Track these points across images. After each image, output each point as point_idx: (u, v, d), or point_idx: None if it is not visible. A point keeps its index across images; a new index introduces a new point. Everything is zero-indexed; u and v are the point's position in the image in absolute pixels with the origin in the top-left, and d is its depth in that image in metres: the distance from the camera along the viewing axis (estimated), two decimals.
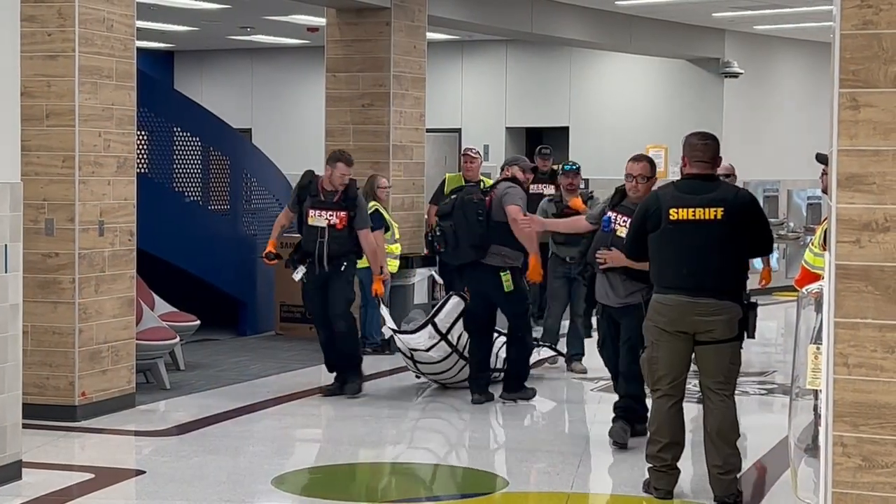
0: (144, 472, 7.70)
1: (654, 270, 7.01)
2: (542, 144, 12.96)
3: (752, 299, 6.99)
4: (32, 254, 8.73)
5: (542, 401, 10.25)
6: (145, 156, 12.54)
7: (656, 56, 18.56)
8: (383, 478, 8.27)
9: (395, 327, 10.52)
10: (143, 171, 12.03)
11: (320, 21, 14.64)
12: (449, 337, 10.22)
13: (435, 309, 10.54)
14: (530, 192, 11.62)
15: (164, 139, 13.05)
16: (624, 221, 7.94)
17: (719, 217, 6.76)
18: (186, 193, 13.43)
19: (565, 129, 19.59)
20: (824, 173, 7.52)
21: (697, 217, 6.78)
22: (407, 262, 12.64)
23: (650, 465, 7.10)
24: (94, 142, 9.02)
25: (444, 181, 13.15)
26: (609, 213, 8.23)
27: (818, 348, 4.60)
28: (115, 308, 9.26)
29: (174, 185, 13.22)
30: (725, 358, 6.92)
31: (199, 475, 7.66)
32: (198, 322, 11.52)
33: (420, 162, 13.27)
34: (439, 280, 12.73)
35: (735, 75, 18.30)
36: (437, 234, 9.78)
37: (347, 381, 10.24)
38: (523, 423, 9.72)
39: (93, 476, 7.61)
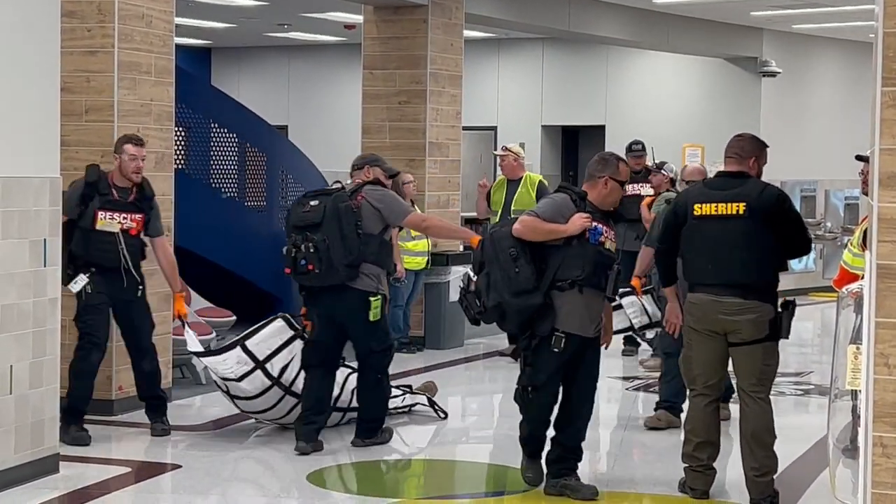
0: (180, 467, 7.73)
1: (684, 268, 7.02)
2: (632, 140, 11.89)
3: (790, 298, 6.95)
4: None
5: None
6: (183, 152, 12.58)
7: (694, 55, 18.49)
8: (418, 474, 8.27)
9: (201, 349, 8.78)
10: (180, 166, 12.08)
11: (357, 18, 14.66)
12: (268, 367, 8.40)
13: (250, 329, 8.64)
14: (627, 193, 11.43)
15: (201, 135, 13.09)
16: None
17: (741, 212, 6.71)
18: (223, 189, 13.47)
19: (601, 128, 19.55)
20: (862, 173, 7.47)
21: (720, 212, 6.74)
22: (444, 259, 12.64)
23: (686, 465, 7.08)
24: None
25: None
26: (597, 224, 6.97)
27: (858, 348, 4.58)
28: (152, 303, 9.26)
29: (211, 181, 13.26)
30: (757, 360, 6.86)
31: (235, 470, 7.68)
32: (234, 318, 11.56)
33: (456, 160, 13.27)
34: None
35: (773, 74, 18.22)
36: (309, 250, 7.95)
37: (155, 421, 8.59)
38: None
39: (129, 470, 7.66)
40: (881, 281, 3.91)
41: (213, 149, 13.31)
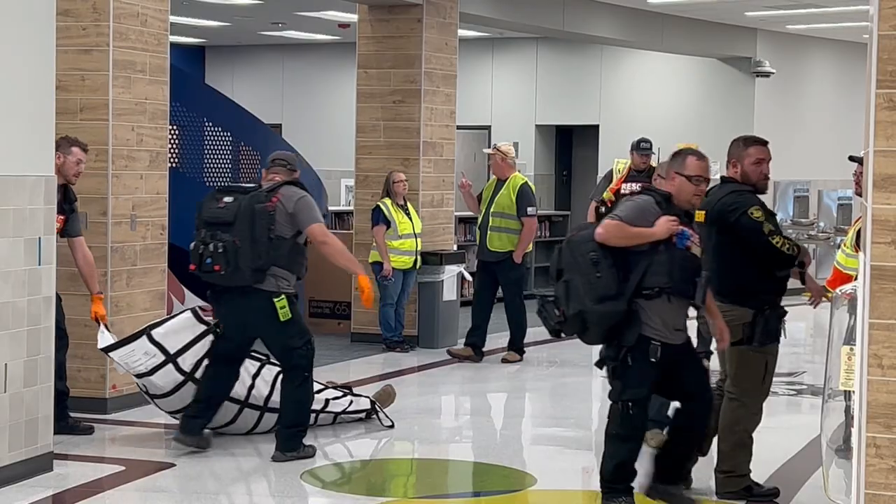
0: (174, 465, 7.73)
1: None
2: (640, 138, 11.24)
3: (782, 305, 6.95)
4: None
5: (573, 399, 10.24)
6: (177, 150, 12.58)
7: (688, 55, 18.52)
8: (412, 473, 8.29)
9: (110, 342, 8.23)
10: (174, 165, 12.07)
11: (352, 17, 14.66)
12: (179, 361, 8.12)
13: (156, 321, 8.49)
14: (622, 192, 10.76)
15: (195, 134, 13.08)
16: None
17: (702, 220, 6.85)
18: (217, 188, 13.45)
19: (595, 128, 19.57)
20: (856, 174, 7.50)
21: (699, 219, 6.83)
22: (438, 258, 12.65)
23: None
24: (127, 136, 9.07)
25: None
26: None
27: (851, 349, 4.59)
28: (146, 301, 9.31)
29: (205, 179, 13.26)
30: (732, 362, 6.95)
31: (229, 469, 7.69)
32: None
33: (450, 159, 13.28)
34: (468, 277, 12.75)
35: (767, 75, 18.24)
36: (217, 249, 7.65)
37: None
38: (554, 422, 9.72)
39: (123, 468, 7.65)
40: (875, 282, 3.93)
41: (208, 147, 13.30)
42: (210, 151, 13.37)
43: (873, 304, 3.93)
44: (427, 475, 8.22)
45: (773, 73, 18.24)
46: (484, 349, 11.98)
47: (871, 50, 3.94)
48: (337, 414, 8.86)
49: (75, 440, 8.17)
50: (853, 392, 4.33)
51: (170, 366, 8.10)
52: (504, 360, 11.93)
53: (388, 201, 12.20)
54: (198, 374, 8.07)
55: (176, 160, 12.49)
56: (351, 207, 14.68)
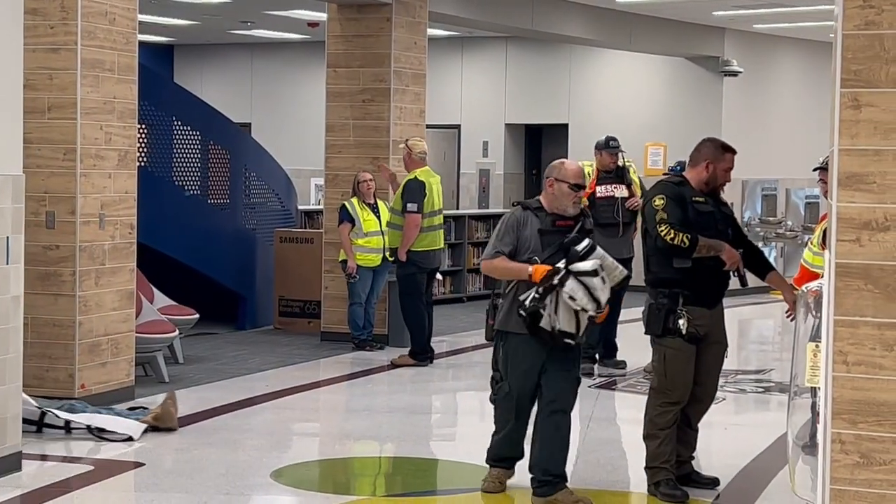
0: (143, 465, 7.72)
1: None
2: (608, 136, 11.07)
3: (672, 296, 6.94)
4: (33, 246, 8.74)
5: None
6: (145, 149, 12.55)
7: (656, 54, 18.58)
8: (381, 472, 8.30)
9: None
10: (143, 164, 12.05)
11: (321, 16, 14.66)
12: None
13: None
14: (597, 196, 10.84)
15: (164, 133, 13.06)
16: None
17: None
18: (186, 187, 13.45)
19: (565, 127, 19.61)
20: (821, 180, 7.59)
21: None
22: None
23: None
24: (95, 135, 9.04)
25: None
26: None
27: (817, 346, 4.63)
28: (114, 301, 9.29)
29: (174, 178, 13.24)
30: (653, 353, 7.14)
31: (198, 468, 7.68)
32: (197, 316, 11.55)
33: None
34: (439, 276, 12.76)
35: (734, 74, 18.32)
36: None
37: None
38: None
39: (92, 468, 7.63)
40: (840, 279, 3.96)
41: (177, 146, 13.29)
42: (179, 150, 13.35)
43: (838, 301, 3.97)
44: (395, 473, 8.23)
45: (740, 72, 18.32)
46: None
47: (836, 49, 3.97)
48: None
49: (43, 440, 8.13)
50: (819, 388, 4.37)
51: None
52: (392, 363, 11.56)
53: (354, 200, 12.22)
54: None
55: (145, 159, 12.46)
56: (321, 206, 14.68)
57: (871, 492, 3.95)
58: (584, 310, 6.53)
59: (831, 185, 4.03)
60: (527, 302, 6.56)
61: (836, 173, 3.97)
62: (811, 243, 7.74)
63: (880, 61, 3.90)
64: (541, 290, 6.53)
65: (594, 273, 6.50)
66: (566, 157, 12.24)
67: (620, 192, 10.97)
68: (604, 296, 6.55)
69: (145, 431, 8.37)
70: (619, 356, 11.24)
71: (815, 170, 7.75)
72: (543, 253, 6.68)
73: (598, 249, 6.67)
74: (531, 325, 6.60)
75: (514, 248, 6.75)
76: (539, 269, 6.59)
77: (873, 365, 3.94)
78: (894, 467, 3.92)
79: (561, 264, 6.55)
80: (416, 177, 11.46)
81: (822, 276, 4.98)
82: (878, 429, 3.94)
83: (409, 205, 11.33)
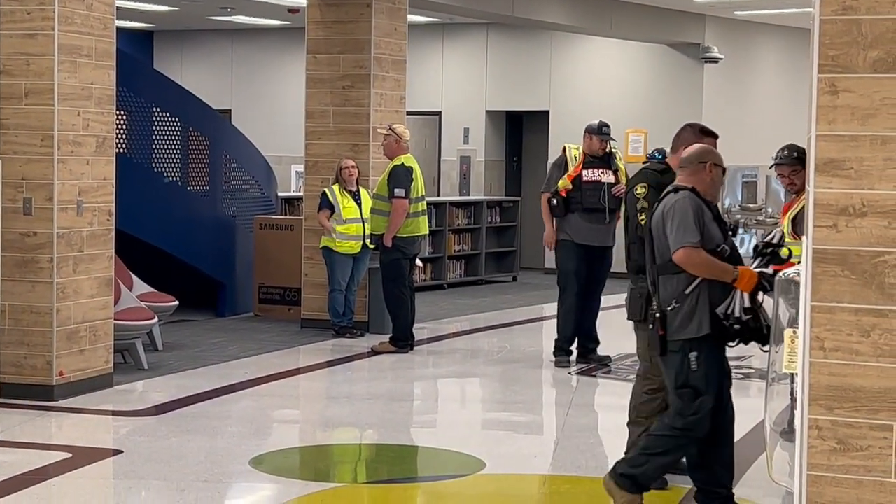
0: (122, 452, 7.70)
1: None
2: (601, 121, 10.80)
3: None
4: (10, 233, 8.70)
5: (522, 384, 10.28)
6: (124, 135, 12.50)
7: (637, 41, 18.56)
8: (361, 459, 8.29)
9: None
10: (122, 150, 12.00)
11: (301, 2, 14.61)
12: None
13: None
14: (584, 179, 10.68)
15: (143, 119, 13.01)
16: None
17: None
18: (165, 174, 13.40)
19: (545, 113, 19.59)
20: (780, 175, 7.61)
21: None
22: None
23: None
24: (73, 121, 8.99)
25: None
26: None
27: (795, 332, 4.63)
28: (93, 288, 9.25)
29: (153, 165, 13.19)
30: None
31: (177, 455, 7.66)
32: (176, 303, 11.52)
33: None
34: (419, 263, 12.74)
35: (715, 60, 18.33)
36: None
37: None
38: (503, 407, 9.75)
39: (70, 455, 7.60)
40: (817, 265, 3.97)
41: (156, 133, 13.23)
42: (158, 137, 13.30)
43: (815, 287, 3.97)
44: (376, 460, 8.22)
45: (721, 59, 18.33)
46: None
47: (814, 34, 3.97)
48: None
49: (20, 427, 8.11)
50: (797, 375, 4.37)
51: None
52: (372, 349, 11.54)
53: (335, 187, 12.21)
54: None
55: (124, 146, 12.41)
56: (301, 193, 14.64)
57: (847, 477, 3.96)
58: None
59: (809, 171, 4.03)
60: (737, 313, 5.98)
61: (814, 159, 3.97)
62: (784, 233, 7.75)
63: (858, 46, 3.90)
64: (749, 300, 6.00)
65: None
66: (547, 144, 12.28)
67: (607, 177, 10.76)
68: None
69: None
70: (601, 342, 11.17)
71: (771, 166, 7.71)
72: (755, 260, 6.15)
73: None
74: (740, 332, 6.06)
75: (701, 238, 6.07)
76: (746, 274, 5.99)
77: (850, 351, 3.94)
78: (871, 453, 3.93)
79: (763, 269, 6.01)
80: (402, 163, 11.41)
81: (799, 263, 4.98)
82: (854, 415, 3.94)
83: (396, 190, 11.27)
